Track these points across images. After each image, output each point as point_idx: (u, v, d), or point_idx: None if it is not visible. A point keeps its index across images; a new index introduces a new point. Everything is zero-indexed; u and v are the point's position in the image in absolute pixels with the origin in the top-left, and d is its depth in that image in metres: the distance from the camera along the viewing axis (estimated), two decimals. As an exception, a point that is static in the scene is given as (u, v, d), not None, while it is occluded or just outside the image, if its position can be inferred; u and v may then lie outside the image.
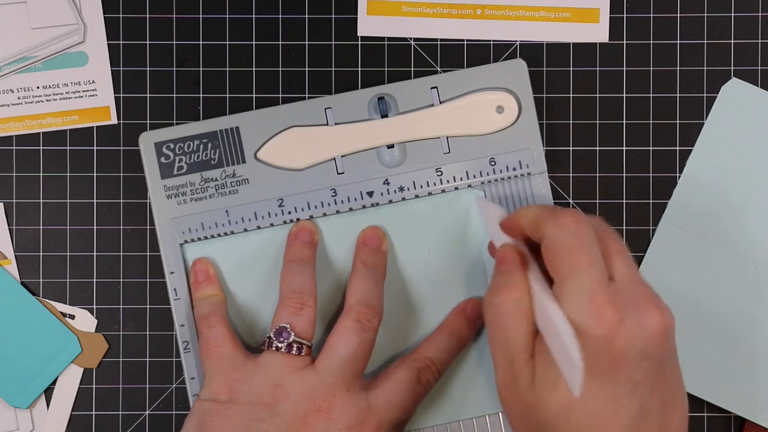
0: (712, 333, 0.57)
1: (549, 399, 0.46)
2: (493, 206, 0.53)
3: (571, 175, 0.58)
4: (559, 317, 0.44)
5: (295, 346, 0.51)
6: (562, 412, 0.45)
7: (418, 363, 0.53)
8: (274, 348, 0.51)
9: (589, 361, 0.44)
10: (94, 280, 0.58)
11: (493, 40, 0.58)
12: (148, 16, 0.58)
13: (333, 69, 0.58)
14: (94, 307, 0.58)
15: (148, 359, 0.58)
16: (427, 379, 0.53)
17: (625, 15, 0.58)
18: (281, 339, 0.51)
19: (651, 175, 0.58)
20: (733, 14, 0.58)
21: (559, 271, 0.46)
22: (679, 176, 0.58)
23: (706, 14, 0.58)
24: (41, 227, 0.58)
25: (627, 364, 0.44)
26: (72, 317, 0.58)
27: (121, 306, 0.58)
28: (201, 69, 0.58)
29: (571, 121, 0.58)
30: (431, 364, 0.53)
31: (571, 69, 0.58)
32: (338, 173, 0.56)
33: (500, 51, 0.58)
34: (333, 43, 0.58)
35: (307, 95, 0.58)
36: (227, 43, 0.58)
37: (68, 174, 0.58)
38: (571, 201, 0.58)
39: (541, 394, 0.46)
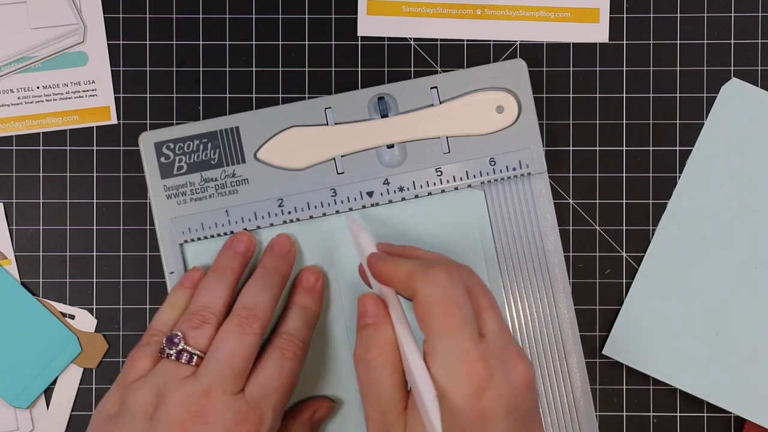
0: (712, 333, 0.57)
1: None
2: (363, 233, 0.52)
3: (571, 175, 0.58)
4: (422, 378, 0.45)
5: (185, 354, 0.50)
6: None
7: (278, 340, 0.52)
8: (165, 356, 0.50)
9: (457, 418, 0.45)
10: (94, 280, 0.58)
11: (493, 40, 0.58)
12: (148, 16, 0.58)
13: (333, 69, 0.58)
14: (94, 307, 0.58)
15: (148, 359, 0.58)
16: (292, 352, 0.52)
17: (625, 15, 0.58)
18: (171, 346, 0.50)
19: (651, 175, 0.58)
20: (733, 14, 0.58)
21: (432, 328, 0.46)
22: (679, 176, 0.58)
23: (706, 14, 0.58)
24: (41, 227, 0.58)
25: (495, 420, 0.45)
26: (72, 317, 0.58)
27: (121, 306, 0.58)
28: (201, 69, 0.58)
29: (571, 121, 0.58)
30: (290, 337, 0.53)
31: (571, 69, 0.58)
32: (338, 173, 0.56)
33: (500, 51, 0.58)
34: (333, 43, 0.58)
35: (307, 95, 0.58)
36: (227, 43, 0.58)
37: (68, 174, 0.58)
38: (571, 201, 0.58)
39: None
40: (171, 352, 0.50)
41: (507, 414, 0.45)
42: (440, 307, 0.46)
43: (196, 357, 0.50)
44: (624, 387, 0.58)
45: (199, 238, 0.56)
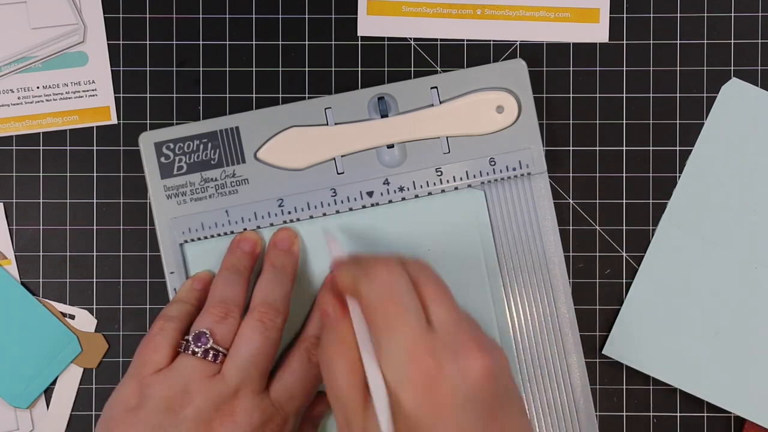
0: (712, 333, 0.57)
1: None
2: (336, 244, 0.52)
3: (571, 175, 0.58)
4: (372, 381, 0.44)
5: (211, 352, 0.50)
6: None
7: (306, 344, 0.53)
8: (190, 352, 0.50)
9: (410, 417, 0.43)
10: (94, 280, 0.58)
11: (493, 40, 0.58)
12: (148, 16, 0.58)
13: (333, 69, 0.58)
14: (94, 307, 0.58)
15: (148, 359, 0.58)
16: (318, 357, 0.52)
17: (625, 15, 0.58)
18: (199, 344, 0.50)
19: (651, 175, 0.58)
20: (733, 14, 0.58)
21: (375, 327, 0.45)
22: (679, 176, 0.58)
23: (706, 14, 0.58)
24: (41, 227, 0.58)
25: (451, 414, 0.43)
26: (72, 317, 0.58)
27: (121, 306, 0.58)
28: (201, 69, 0.58)
29: (571, 121, 0.58)
30: (317, 341, 0.53)
31: (571, 69, 0.58)
32: (338, 173, 0.56)
33: (500, 51, 0.58)
34: (333, 43, 0.58)
35: (307, 95, 0.58)
36: (227, 43, 0.58)
37: (68, 174, 0.58)
38: (571, 201, 0.58)
39: None
40: (198, 350, 0.50)
41: (465, 406, 0.43)
42: (380, 303, 0.45)
43: (221, 355, 0.50)
44: (624, 387, 0.58)
45: (199, 238, 0.56)
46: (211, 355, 0.50)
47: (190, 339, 0.51)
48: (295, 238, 0.56)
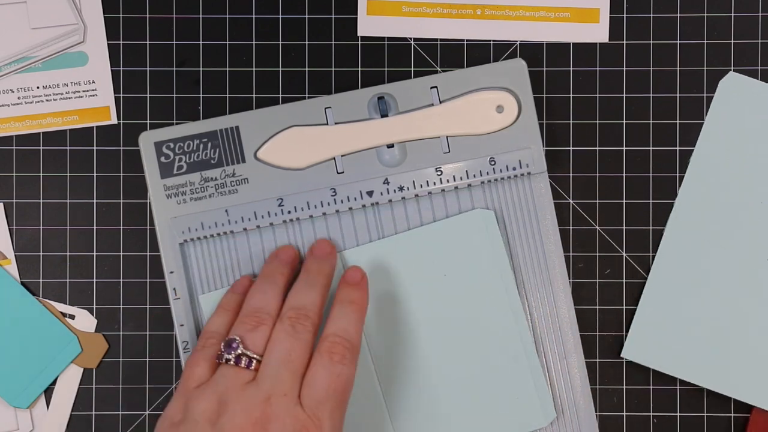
0: (715, 329, 0.57)
1: None
2: None
3: (571, 175, 0.58)
4: None
5: (244, 359, 0.50)
6: None
7: (326, 343, 0.52)
8: (224, 361, 0.50)
9: None
10: (94, 280, 0.58)
11: (493, 40, 0.58)
12: (148, 16, 0.58)
13: (333, 69, 0.58)
14: (94, 307, 0.58)
15: (148, 359, 0.58)
16: (340, 355, 0.51)
17: (625, 15, 0.58)
18: (230, 350, 0.50)
19: (651, 175, 0.58)
20: (733, 14, 0.58)
21: None
22: (679, 176, 0.58)
23: (706, 14, 0.58)
24: (41, 227, 0.58)
25: None
26: (72, 317, 0.58)
27: (121, 306, 0.58)
28: (201, 69, 0.58)
29: (571, 121, 0.58)
30: (339, 340, 0.52)
31: (571, 69, 0.58)
32: (338, 173, 0.56)
33: (500, 51, 0.58)
34: (333, 43, 0.58)
35: (307, 95, 0.58)
36: (227, 43, 0.58)
37: (68, 174, 0.58)
38: (571, 201, 0.58)
39: None
40: (230, 357, 0.50)
41: None
42: None
43: (255, 361, 0.50)
44: (624, 387, 0.58)
45: (199, 238, 0.56)
46: (244, 362, 0.50)
47: (222, 347, 0.51)
48: (333, 248, 0.55)
